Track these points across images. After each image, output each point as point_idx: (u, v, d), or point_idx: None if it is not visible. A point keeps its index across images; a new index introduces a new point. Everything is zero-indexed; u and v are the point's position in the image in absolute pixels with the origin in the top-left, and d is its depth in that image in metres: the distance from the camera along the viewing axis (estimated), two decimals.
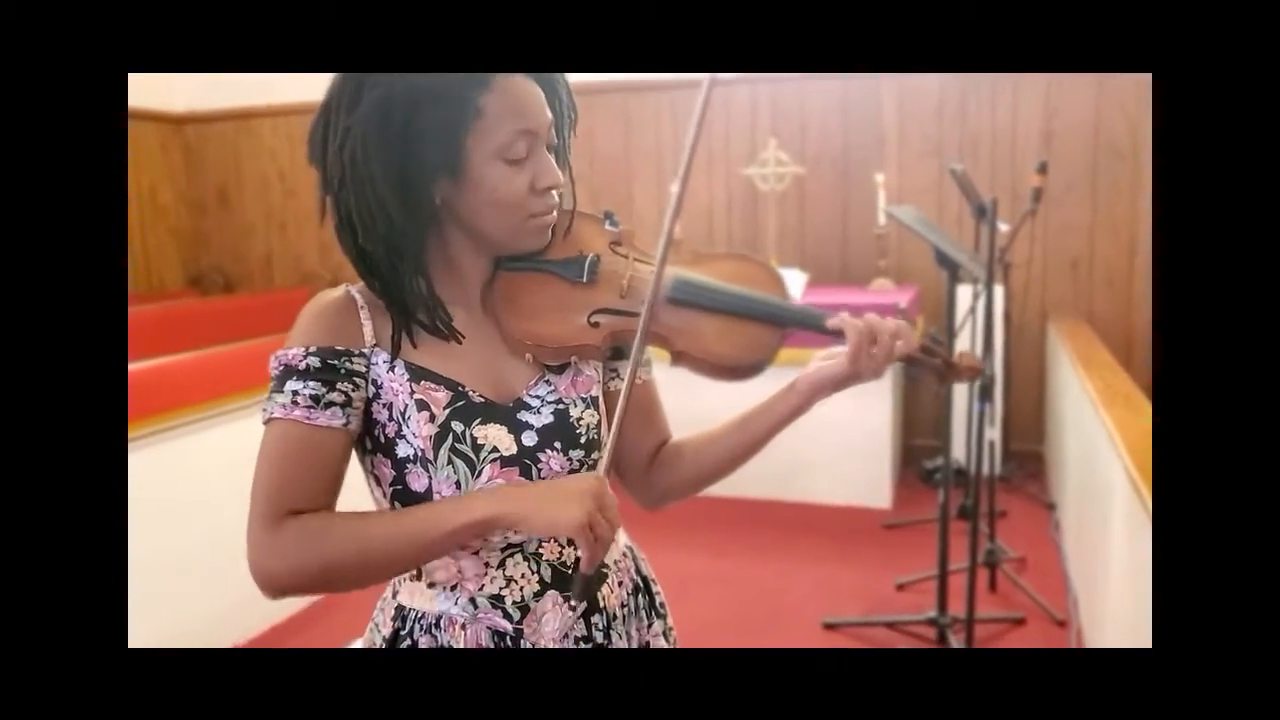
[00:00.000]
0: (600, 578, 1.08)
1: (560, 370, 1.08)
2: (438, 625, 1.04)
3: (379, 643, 1.09)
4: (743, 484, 3.85)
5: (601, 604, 1.09)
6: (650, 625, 1.17)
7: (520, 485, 1.00)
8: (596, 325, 1.05)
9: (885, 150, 4.89)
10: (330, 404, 0.96)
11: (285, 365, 0.97)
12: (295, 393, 0.96)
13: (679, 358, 1.06)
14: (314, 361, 0.97)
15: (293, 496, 0.94)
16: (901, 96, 4.83)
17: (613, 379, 1.15)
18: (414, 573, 1.05)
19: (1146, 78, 4.43)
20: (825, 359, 1.10)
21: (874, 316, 1.06)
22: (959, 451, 3.70)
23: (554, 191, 1.03)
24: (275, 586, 0.92)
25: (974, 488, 2.98)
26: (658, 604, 1.19)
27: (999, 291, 3.97)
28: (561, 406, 1.05)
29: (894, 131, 4.88)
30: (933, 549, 3.01)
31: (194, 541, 2.86)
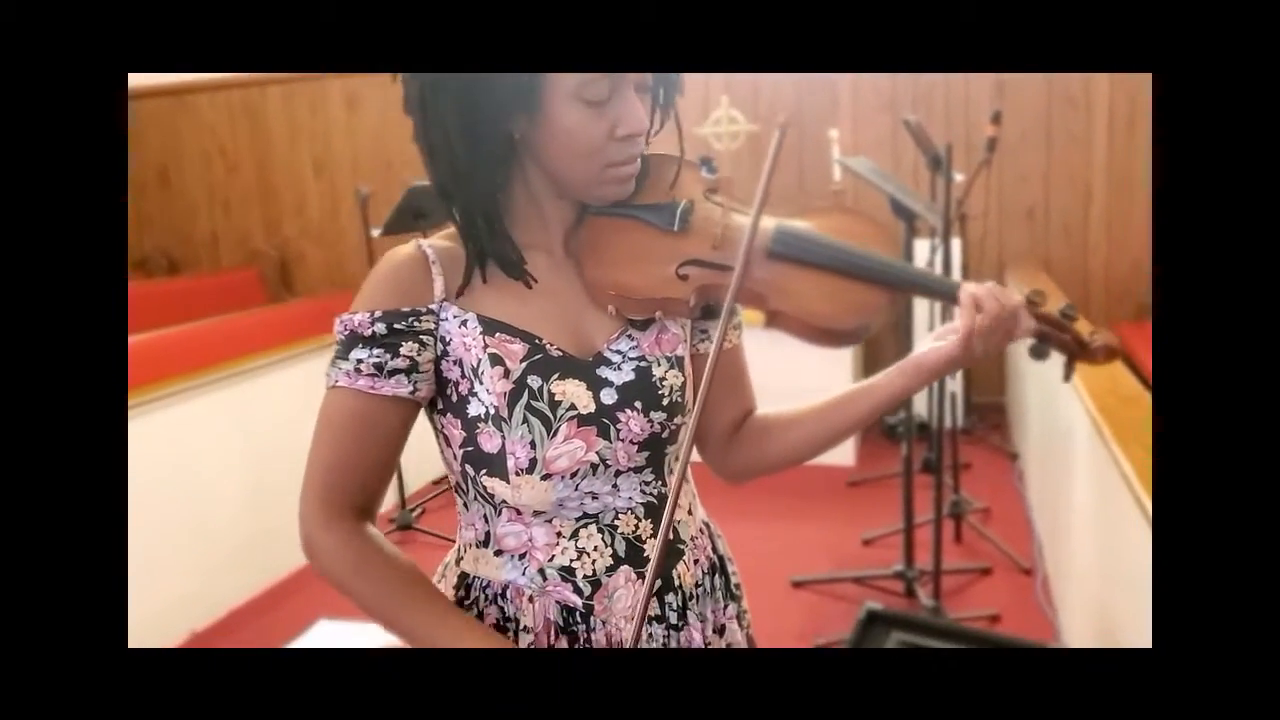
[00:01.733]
0: (676, 554, 1.02)
1: (644, 325, 1.00)
2: (504, 595, 0.99)
3: None
4: None
5: (677, 582, 1.02)
6: (726, 607, 1.09)
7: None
8: (685, 278, 0.96)
9: (839, 106, 4.84)
10: (395, 371, 0.92)
11: (351, 331, 0.92)
12: (359, 361, 0.91)
13: (775, 319, 0.97)
14: (380, 328, 0.92)
15: (348, 476, 0.93)
16: None
17: (701, 340, 1.06)
18: (481, 538, 1.00)
19: None
20: (937, 339, 1.00)
21: (999, 290, 0.96)
22: (920, 406, 3.69)
23: (638, 139, 0.94)
24: (315, 565, 0.95)
25: (937, 440, 2.96)
26: (733, 585, 1.11)
27: (955, 244, 3.95)
28: (644, 364, 0.98)
29: (847, 87, 4.83)
30: (898, 504, 2.99)
31: (137, 532, 2.77)
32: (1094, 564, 2.06)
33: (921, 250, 3.30)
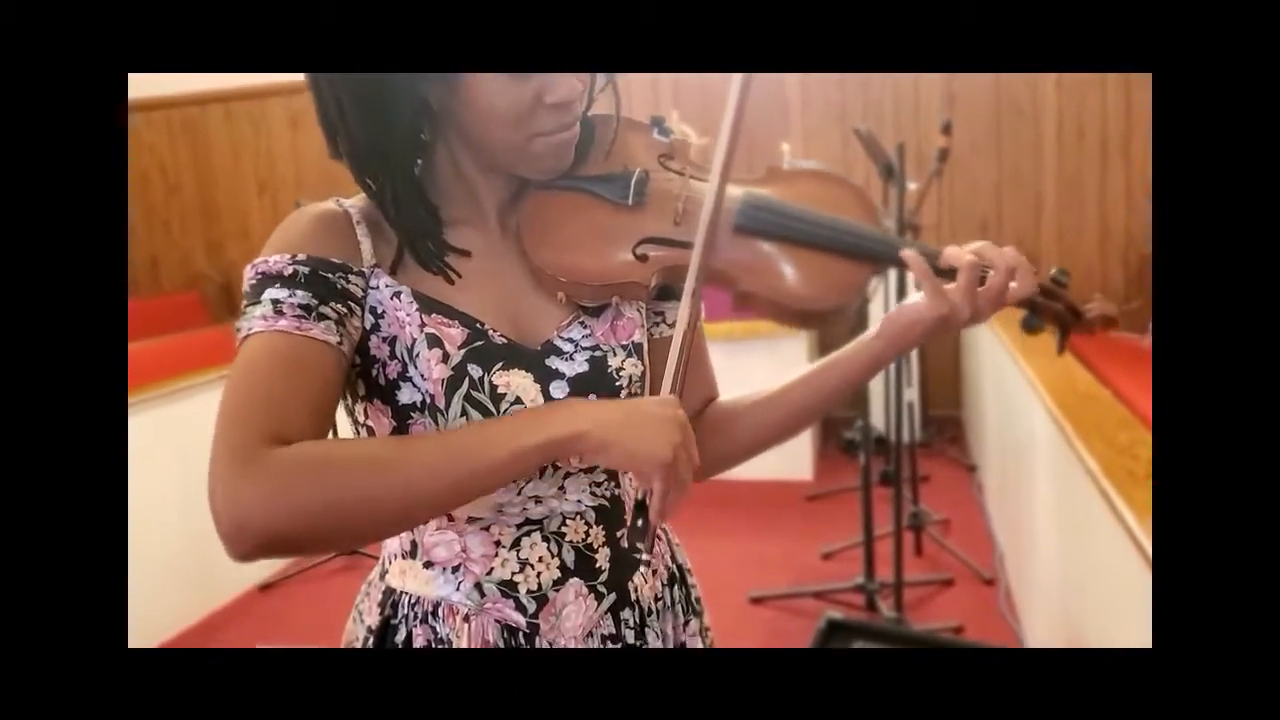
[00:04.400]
0: (633, 564, 0.92)
1: (597, 312, 0.90)
2: (435, 614, 0.87)
3: (362, 635, 0.91)
4: None
5: (634, 595, 0.92)
6: (687, 623, 0.99)
7: (592, 403, 0.79)
8: (644, 259, 0.86)
9: (789, 118, 4.82)
10: (324, 317, 0.77)
11: (263, 274, 0.78)
12: (278, 301, 0.76)
13: (745, 299, 0.88)
14: (302, 269, 0.78)
15: (277, 420, 0.72)
16: None
17: (656, 324, 0.96)
18: (407, 548, 0.88)
19: None
20: (917, 301, 0.91)
21: (988, 247, 0.88)
22: (878, 419, 3.64)
23: (571, 105, 0.83)
24: (252, 534, 0.68)
25: (896, 452, 2.91)
26: (694, 598, 1.02)
27: None
28: (599, 354, 0.88)
29: (797, 99, 4.82)
30: (856, 518, 2.93)
31: None
32: (1057, 568, 2.01)
33: None
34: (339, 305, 0.79)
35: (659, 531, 0.99)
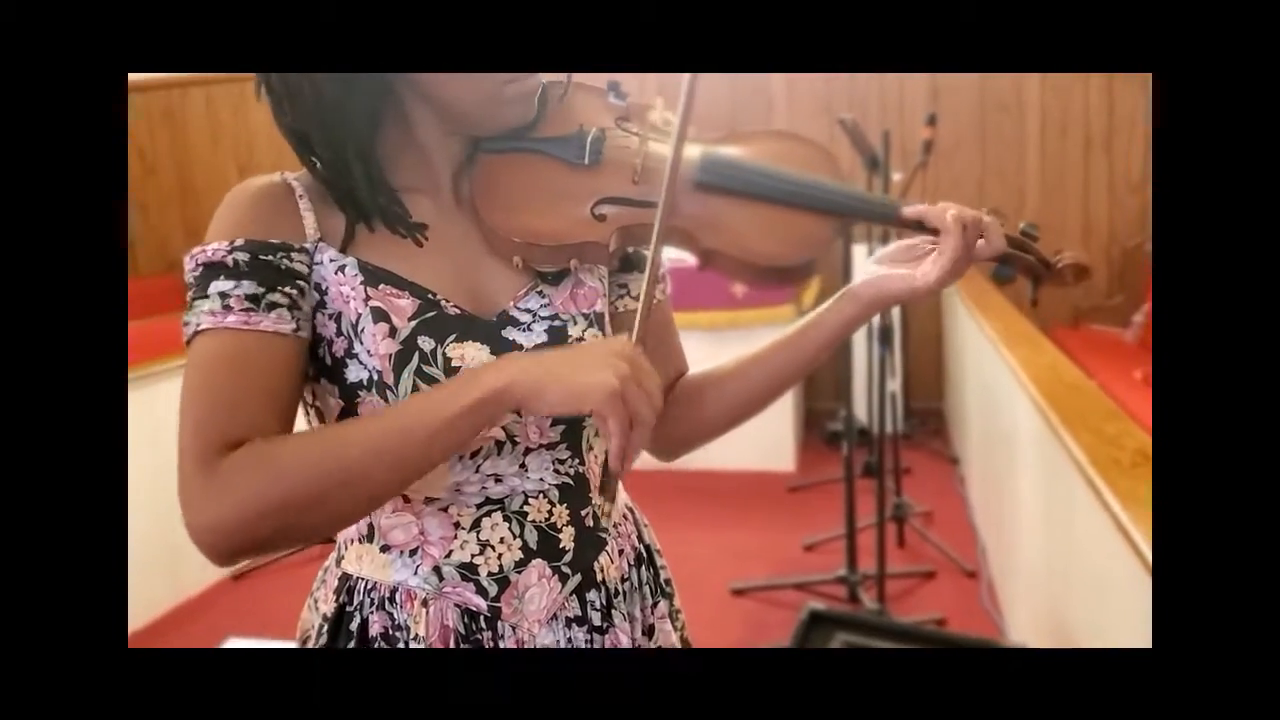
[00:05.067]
0: (597, 544, 0.90)
1: (556, 280, 0.87)
2: (392, 599, 0.84)
3: (317, 623, 0.87)
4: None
5: (599, 576, 0.89)
6: (655, 605, 0.96)
7: (528, 354, 0.78)
8: (602, 218, 0.84)
9: (774, 110, 4.80)
10: (274, 305, 0.75)
11: (205, 264, 0.76)
12: (224, 294, 0.74)
13: (709, 258, 0.86)
14: (241, 256, 0.76)
15: (234, 425, 0.72)
16: None
17: (621, 297, 0.94)
18: (364, 532, 0.85)
19: None
20: (886, 261, 0.90)
21: (960, 208, 0.86)
22: (860, 411, 3.63)
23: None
24: (223, 542, 0.69)
25: (879, 443, 2.90)
26: (662, 580, 0.98)
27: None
28: (559, 323, 0.85)
29: (782, 91, 4.80)
30: (838, 510, 2.92)
31: None
32: (1041, 560, 2.00)
33: (859, 255, 3.25)
34: (288, 288, 0.77)
35: (626, 511, 0.96)
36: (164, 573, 3.02)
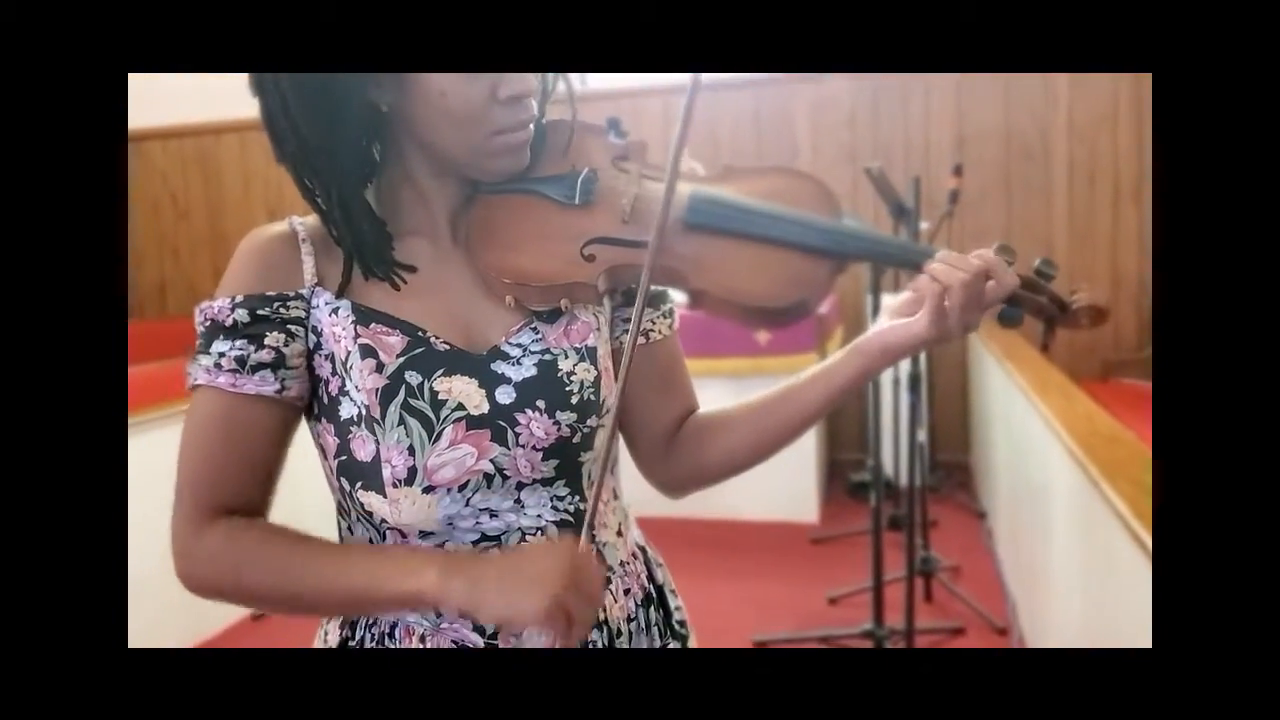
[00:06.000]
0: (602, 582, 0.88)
1: (551, 318, 0.88)
2: (391, 635, 0.87)
3: None
4: (662, 501, 3.68)
5: (602, 616, 0.89)
6: (664, 646, 0.94)
7: (477, 559, 0.81)
8: (591, 258, 0.85)
9: (799, 158, 4.80)
10: (259, 366, 0.81)
11: (211, 321, 0.82)
12: (221, 354, 0.81)
13: (698, 299, 0.86)
14: (241, 315, 0.81)
15: (219, 488, 0.82)
16: (813, 103, 4.76)
17: (625, 333, 0.94)
18: None
19: (1053, 77, 4.44)
20: (898, 314, 0.87)
21: (957, 256, 0.84)
22: (887, 462, 3.58)
23: (526, 101, 0.83)
24: (198, 593, 0.83)
25: (909, 496, 2.85)
26: (675, 621, 0.97)
27: None
28: (549, 357, 0.86)
29: (807, 139, 4.81)
30: (862, 562, 2.87)
31: None
32: (1077, 615, 1.94)
33: (888, 303, 3.23)
34: (278, 336, 0.82)
35: (636, 549, 0.96)
36: (186, 612, 2.99)
